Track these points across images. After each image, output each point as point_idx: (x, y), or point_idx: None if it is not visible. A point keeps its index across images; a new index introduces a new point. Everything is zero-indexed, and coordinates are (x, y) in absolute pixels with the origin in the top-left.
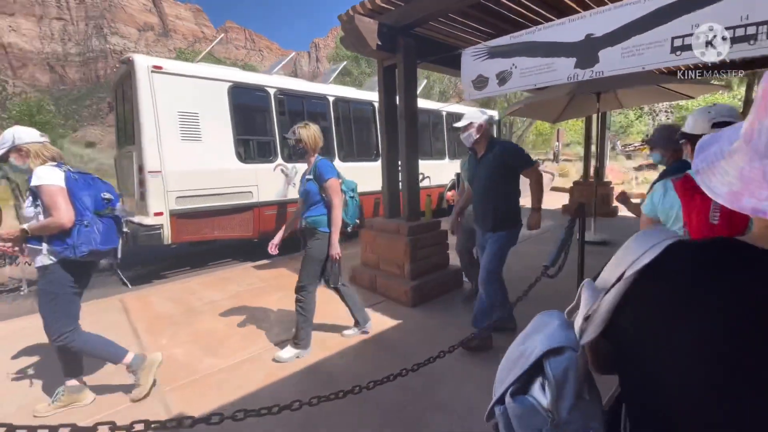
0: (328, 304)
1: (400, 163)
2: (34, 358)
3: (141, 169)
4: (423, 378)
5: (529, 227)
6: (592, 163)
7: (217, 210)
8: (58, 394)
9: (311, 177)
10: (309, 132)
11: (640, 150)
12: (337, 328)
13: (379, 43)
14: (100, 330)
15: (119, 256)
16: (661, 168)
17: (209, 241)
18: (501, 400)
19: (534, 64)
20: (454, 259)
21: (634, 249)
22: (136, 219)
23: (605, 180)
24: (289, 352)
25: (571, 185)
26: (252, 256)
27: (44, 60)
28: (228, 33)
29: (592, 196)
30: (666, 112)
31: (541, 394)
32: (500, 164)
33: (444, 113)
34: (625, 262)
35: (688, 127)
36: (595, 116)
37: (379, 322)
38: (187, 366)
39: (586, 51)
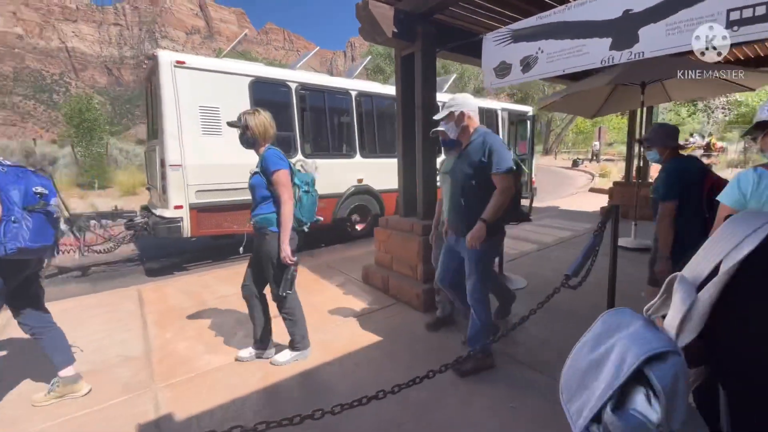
0: (336, 302)
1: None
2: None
3: (163, 162)
4: (425, 392)
5: (467, 241)
6: (637, 163)
7: (236, 204)
8: (53, 385)
9: (258, 170)
10: (257, 119)
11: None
12: (342, 332)
13: (396, 30)
14: (113, 320)
15: (56, 253)
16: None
17: (231, 235)
18: (597, 418)
19: (563, 47)
20: None
21: (729, 237)
22: (158, 212)
23: (650, 180)
24: (285, 355)
25: (611, 186)
26: None
27: (103, 63)
28: (268, 34)
29: (633, 198)
30: (723, 108)
31: (647, 408)
32: (479, 158)
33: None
34: (720, 251)
35: None
36: (639, 111)
37: (388, 326)
38: (187, 362)
39: (623, 29)
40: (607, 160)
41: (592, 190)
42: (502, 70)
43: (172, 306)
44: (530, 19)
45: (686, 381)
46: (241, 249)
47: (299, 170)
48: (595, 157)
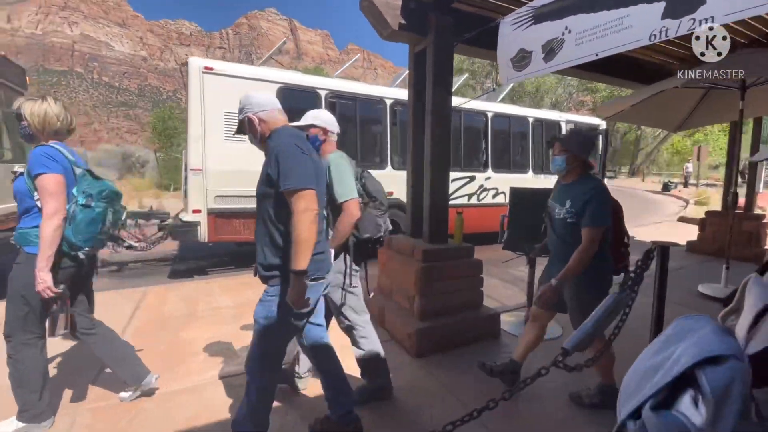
0: None
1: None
2: None
3: (186, 165)
4: None
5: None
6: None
7: (255, 212)
8: None
9: (23, 171)
10: (35, 108)
11: None
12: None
13: (403, 22)
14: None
15: None
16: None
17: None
18: (636, 414)
19: (596, 23)
20: (491, 300)
21: None
22: (180, 214)
23: (756, 212)
24: (10, 425)
25: (703, 216)
26: None
27: None
28: (349, 54)
29: (727, 232)
30: None
31: (692, 410)
32: (267, 171)
33: (531, 120)
34: None
35: None
36: (743, 123)
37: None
38: None
39: None
40: (707, 185)
41: (681, 219)
42: (521, 59)
43: (163, 313)
44: None
45: (745, 390)
46: None
47: (90, 177)
48: (684, 182)
